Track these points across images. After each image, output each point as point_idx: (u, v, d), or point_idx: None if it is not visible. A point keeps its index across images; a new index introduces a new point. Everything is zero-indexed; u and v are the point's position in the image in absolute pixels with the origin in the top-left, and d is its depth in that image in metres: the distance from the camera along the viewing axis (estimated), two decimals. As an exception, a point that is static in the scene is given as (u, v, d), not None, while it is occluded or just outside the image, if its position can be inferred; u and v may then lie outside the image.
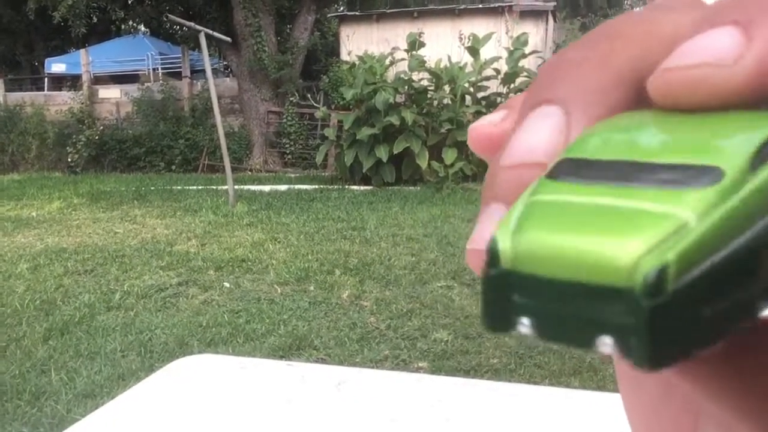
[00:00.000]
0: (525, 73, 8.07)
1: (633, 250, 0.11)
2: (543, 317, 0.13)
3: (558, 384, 2.61)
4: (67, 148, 10.92)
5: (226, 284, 4.02)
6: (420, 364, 2.82)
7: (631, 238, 0.11)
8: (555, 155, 0.14)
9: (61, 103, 11.90)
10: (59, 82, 14.57)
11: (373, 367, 2.76)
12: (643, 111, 0.14)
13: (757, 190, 0.12)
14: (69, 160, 10.90)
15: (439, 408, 0.91)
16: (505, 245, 0.13)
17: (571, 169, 0.13)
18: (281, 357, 2.93)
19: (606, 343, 0.12)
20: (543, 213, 0.13)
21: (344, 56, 9.63)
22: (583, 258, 0.12)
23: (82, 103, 11.70)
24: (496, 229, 0.13)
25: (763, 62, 0.12)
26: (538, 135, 0.15)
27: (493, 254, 0.13)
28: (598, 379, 2.63)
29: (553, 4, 9.90)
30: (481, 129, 0.18)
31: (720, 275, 0.11)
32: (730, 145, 0.12)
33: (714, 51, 0.13)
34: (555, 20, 10.25)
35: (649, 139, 0.13)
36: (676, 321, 0.11)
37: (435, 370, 2.73)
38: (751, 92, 0.13)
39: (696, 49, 0.13)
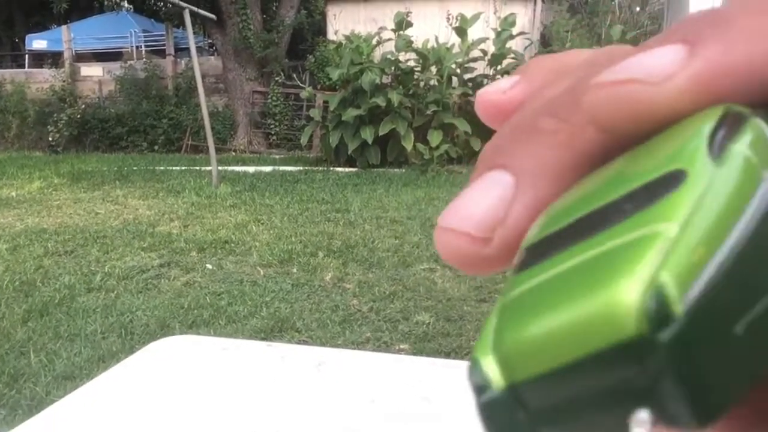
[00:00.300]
0: (512, 55, 8.05)
1: (621, 291, 0.10)
2: (564, 420, 0.10)
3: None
4: (48, 126, 10.75)
5: (209, 266, 3.99)
6: (401, 346, 2.83)
7: (614, 280, 0.10)
8: (489, 229, 0.13)
9: (42, 80, 11.69)
10: (40, 59, 14.31)
11: (354, 349, 2.77)
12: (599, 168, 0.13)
13: (732, 169, 0.10)
14: (50, 139, 10.73)
15: (418, 388, 0.91)
16: (487, 363, 0.11)
17: (533, 253, 0.12)
18: (263, 339, 2.92)
19: (644, 419, 0.10)
20: (516, 309, 0.11)
21: (331, 36, 9.53)
22: (575, 330, 0.10)
23: (64, 81, 11.50)
24: (474, 352, 0.12)
25: (697, 82, 0.12)
26: (479, 204, 0.14)
27: (479, 380, 0.11)
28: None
29: (541, -14, 9.86)
30: (489, 96, 0.17)
31: (737, 275, 0.10)
32: (681, 146, 0.11)
33: (646, 67, 0.12)
34: (543, 1, 10.20)
35: (603, 184, 0.12)
36: (706, 352, 0.09)
37: (416, 352, 2.74)
38: (680, 113, 0.12)
39: (630, 66, 0.12)
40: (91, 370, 2.57)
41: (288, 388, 0.91)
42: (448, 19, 8.35)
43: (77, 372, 2.58)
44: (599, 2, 10.87)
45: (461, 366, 1.03)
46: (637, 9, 11.27)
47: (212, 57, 12.16)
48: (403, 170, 7.57)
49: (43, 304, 3.34)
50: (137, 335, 2.95)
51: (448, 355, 2.73)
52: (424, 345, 2.83)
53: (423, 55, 7.88)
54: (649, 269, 0.09)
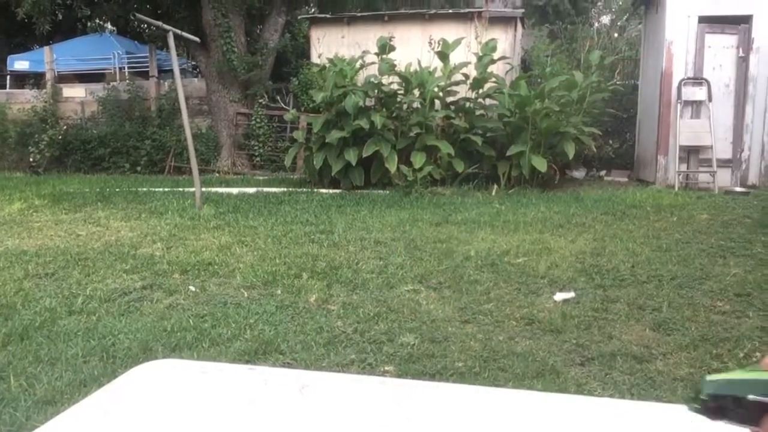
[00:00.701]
0: (493, 79, 8.17)
1: None
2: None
3: (521, 387, 2.65)
4: (30, 147, 10.67)
5: (192, 288, 3.97)
6: (386, 368, 2.83)
7: None
8: None
9: (24, 101, 11.62)
10: (22, 80, 14.22)
11: (339, 371, 2.77)
12: None
13: None
14: (31, 160, 10.65)
15: (399, 410, 0.93)
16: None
17: None
18: (247, 361, 2.91)
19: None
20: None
21: (314, 59, 9.62)
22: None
23: (46, 102, 11.44)
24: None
25: None
26: None
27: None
28: (560, 381, 2.68)
29: (522, 11, 10.05)
30: None
31: None
32: None
33: None
34: (524, 27, 10.40)
35: None
36: None
37: (401, 374, 2.75)
38: None
39: None
40: (72, 395, 2.54)
41: (271, 412, 0.92)
42: (431, 43, 8.48)
43: (58, 396, 2.55)
44: (578, 28, 11.10)
45: (443, 388, 1.05)
46: (615, 35, 11.52)
47: (196, 79, 12.19)
48: (387, 192, 7.61)
49: (23, 327, 3.30)
50: (119, 358, 2.92)
51: (433, 377, 2.74)
52: (409, 366, 2.83)
53: (406, 79, 7.98)
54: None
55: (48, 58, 11.95)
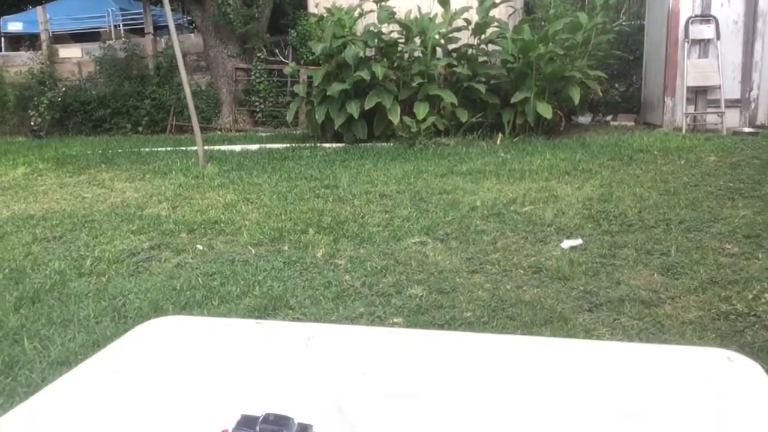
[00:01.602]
0: (496, 23, 7.98)
1: None
2: None
3: (530, 334, 2.67)
4: (29, 111, 10.58)
5: (199, 247, 3.99)
6: (395, 320, 2.86)
7: None
8: None
9: (20, 64, 11.47)
10: (17, 42, 14.01)
11: (348, 324, 2.79)
12: None
13: None
14: (32, 123, 10.57)
15: (409, 360, 0.92)
16: None
17: None
18: (257, 317, 2.94)
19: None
20: None
21: (312, 9, 9.39)
22: None
23: (42, 64, 11.29)
24: None
25: None
26: None
27: None
28: (568, 328, 2.70)
29: (524, -48, 9.73)
30: None
31: None
32: None
33: None
34: (525, -31, 10.08)
35: None
36: None
37: (410, 325, 2.77)
38: None
39: None
40: (86, 355, 2.56)
41: (277, 364, 0.91)
42: (431, -12, 8.24)
43: (72, 357, 2.59)
44: (582, -33, 10.75)
45: (451, 336, 1.05)
46: (621, -27, 11.15)
47: (192, 34, 11.96)
48: (391, 144, 7.55)
49: (35, 290, 3.34)
50: (131, 318, 2.95)
51: (441, 327, 2.76)
52: (418, 318, 2.85)
53: (406, 27, 7.80)
54: None
55: (42, 19, 11.73)
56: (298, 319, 2.88)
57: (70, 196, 5.59)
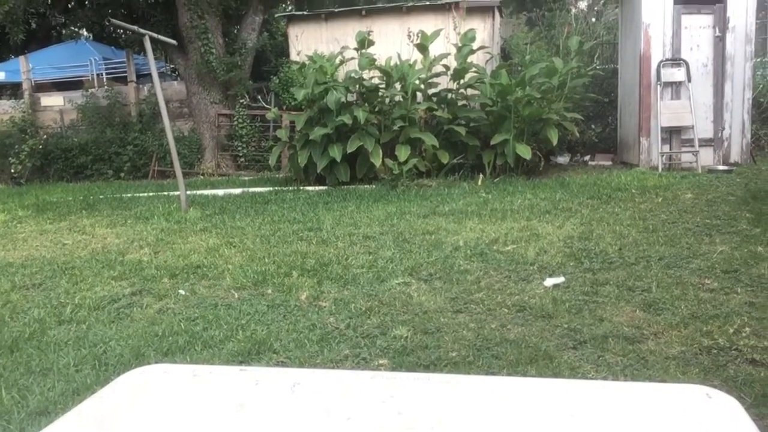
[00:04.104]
0: (474, 69, 8.18)
1: None
2: None
3: (515, 373, 2.67)
4: (10, 158, 10.54)
5: (182, 292, 3.95)
6: (380, 362, 2.84)
7: None
8: None
9: (2, 112, 11.49)
10: (-2, 90, 14.02)
11: (333, 368, 2.77)
12: None
13: None
14: (12, 171, 10.52)
15: (391, 403, 0.93)
16: None
17: None
18: (241, 362, 2.90)
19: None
20: None
21: (294, 56, 9.57)
22: None
23: (24, 112, 11.31)
24: None
25: None
26: None
27: None
28: (553, 366, 2.70)
29: (499, 0, 10.05)
30: None
31: None
32: None
33: None
34: (501, 15, 10.41)
35: None
36: None
37: (396, 367, 2.75)
38: None
39: None
40: (66, 404, 2.52)
41: (262, 412, 0.91)
42: (410, 36, 8.46)
43: (51, 407, 2.52)
44: (556, 15, 11.13)
45: (435, 379, 1.05)
46: (593, 20, 11.56)
47: (175, 82, 12.09)
48: (373, 186, 7.61)
49: (13, 339, 3.27)
50: (112, 366, 2.90)
51: (427, 368, 2.74)
52: (404, 359, 2.84)
53: (387, 73, 7.96)
54: None
55: (24, 68, 11.79)
56: (283, 363, 2.85)
57: (50, 243, 5.53)
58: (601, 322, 3.13)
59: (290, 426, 0.87)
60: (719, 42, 7.92)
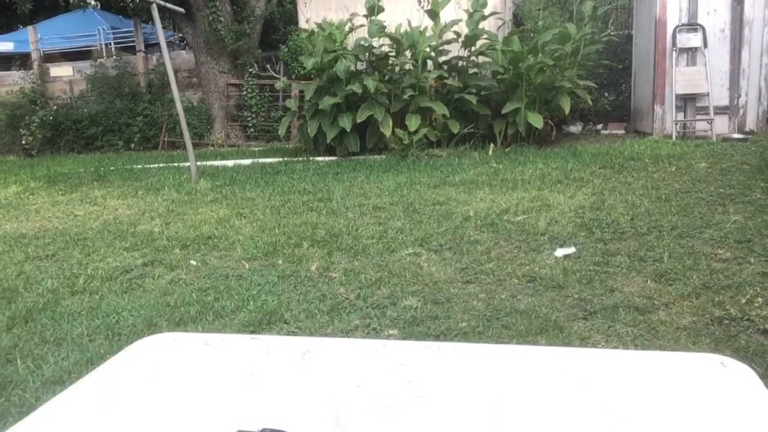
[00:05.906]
0: (485, 36, 8.04)
1: None
2: None
3: (525, 343, 2.67)
4: (21, 130, 10.56)
5: (193, 262, 3.98)
6: (390, 332, 2.85)
7: None
8: None
9: (12, 83, 11.46)
10: (8, 61, 14.00)
11: (343, 337, 2.79)
12: None
13: None
14: (23, 142, 10.55)
15: (401, 372, 0.92)
16: None
17: None
18: (252, 332, 2.93)
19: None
20: None
21: (302, 24, 9.44)
22: None
23: (33, 83, 11.29)
24: None
25: None
26: None
27: None
28: (563, 336, 2.70)
29: (511, -36, 9.83)
30: None
31: None
32: None
33: None
34: (513, -19, 10.18)
35: None
36: None
37: (405, 337, 2.76)
38: None
39: None
40: (80, 374, 2.55)
41: (273, 379, 0.91)
42: (420, 2, 8.31)
43: (66, 376, 2.57)
44: (570, -22, 10.87)
45: (444, 347, 1.05)
46: (608, -17, 11.28)
47: (184, 51, 12.00)
48: (383, 156, 7.57)
49: (27, 309, 3.31)
50: (124, 335, 2.94)
51: (437, 338, 2.76)
52: (413, 329, 2.85)
53: (397, 40, 7.85)
54: None
55: (32, 38, 11.74)
56: (294, 333, 2.87)
57: (62, 214, 5.56)
58: (612, 292, 3.12)
59: (301, 393, 0.87)
60: (737, 6, 7.72)
